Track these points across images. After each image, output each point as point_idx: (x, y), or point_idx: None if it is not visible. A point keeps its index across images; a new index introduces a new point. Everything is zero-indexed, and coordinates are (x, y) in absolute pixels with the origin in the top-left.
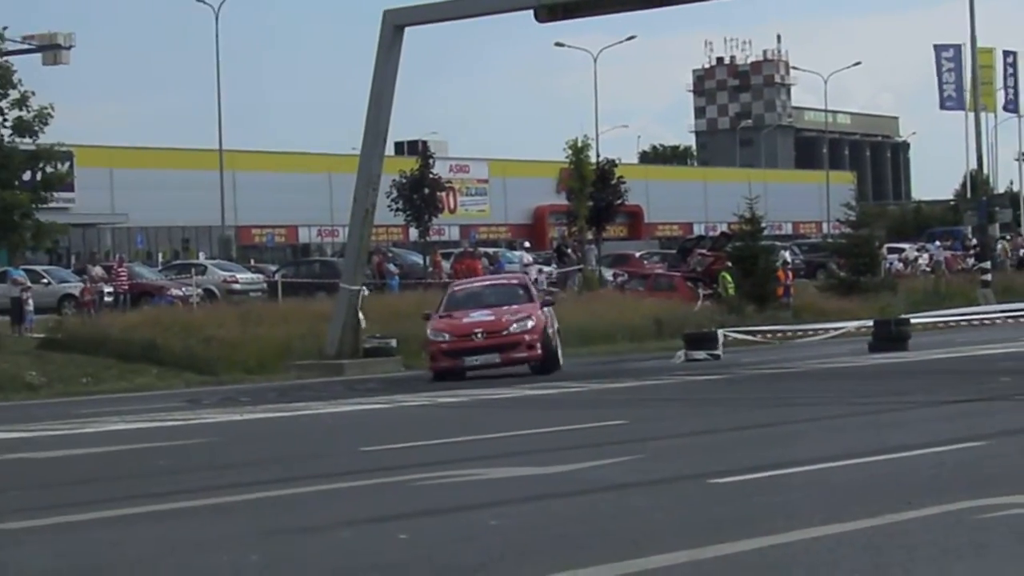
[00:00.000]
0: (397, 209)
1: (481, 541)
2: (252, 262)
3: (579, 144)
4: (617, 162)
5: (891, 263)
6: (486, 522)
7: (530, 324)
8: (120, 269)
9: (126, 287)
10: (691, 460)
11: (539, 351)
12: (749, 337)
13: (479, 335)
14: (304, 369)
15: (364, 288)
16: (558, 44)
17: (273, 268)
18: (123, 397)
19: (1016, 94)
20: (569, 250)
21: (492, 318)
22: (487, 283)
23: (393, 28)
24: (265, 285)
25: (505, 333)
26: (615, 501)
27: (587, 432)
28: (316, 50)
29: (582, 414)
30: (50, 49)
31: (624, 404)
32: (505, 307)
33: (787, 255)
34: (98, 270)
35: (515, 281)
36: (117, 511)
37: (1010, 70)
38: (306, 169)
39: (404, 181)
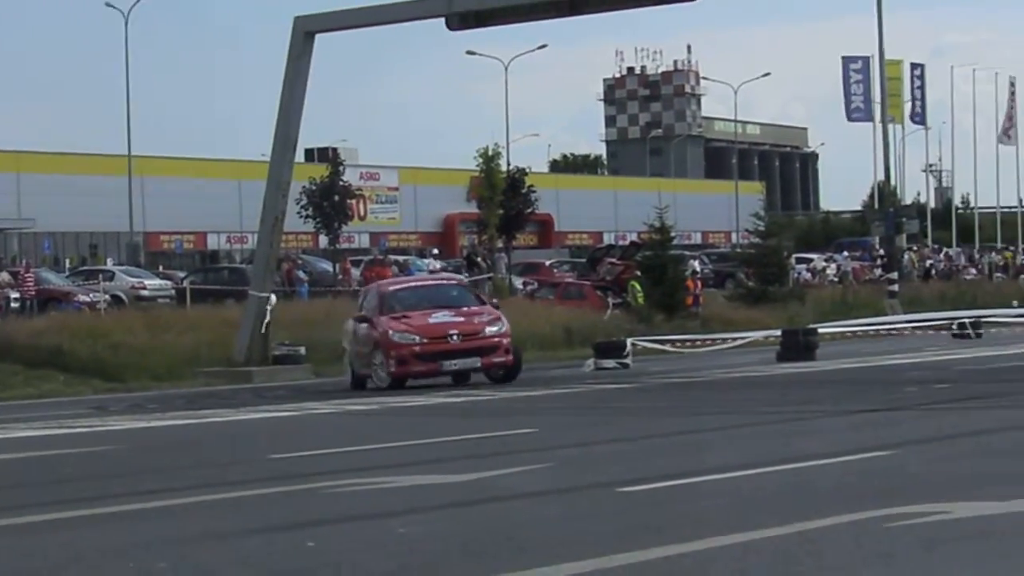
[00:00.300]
0: (307, 216)
1: (389, 549)
2: (161, 268)
3: (490, 152)
4: (527, 170)
5: (799, 273)
6: (395, 530)
7: (503, 327)
8: (27, 275)
9: (33, 293)
10: (601, 468)
11: (512, 356)
12: (658, 346)
13: (455, 337)
14: (212, 376)
15: (272, 295)
16: (469, 52)
17: (182, 275)
18: (29, 404)
19: (923, 106)
20: (479, 258)
21: (462, 319)
22: (429, 283)
23: (303, 35)
24: (174, 292)
25: (481, 336)
26: (524, 509)
27: (497, 440)
28: (227, 56)
29: (492, 422)
30: None
31: (534, 412)
32: (465, 308)
33: (696, 264)
34: (4, 275)
35: (454, 281)
36: (23, 519)
37: (917, 82)
38: (215, 175)
39: (314, 188)
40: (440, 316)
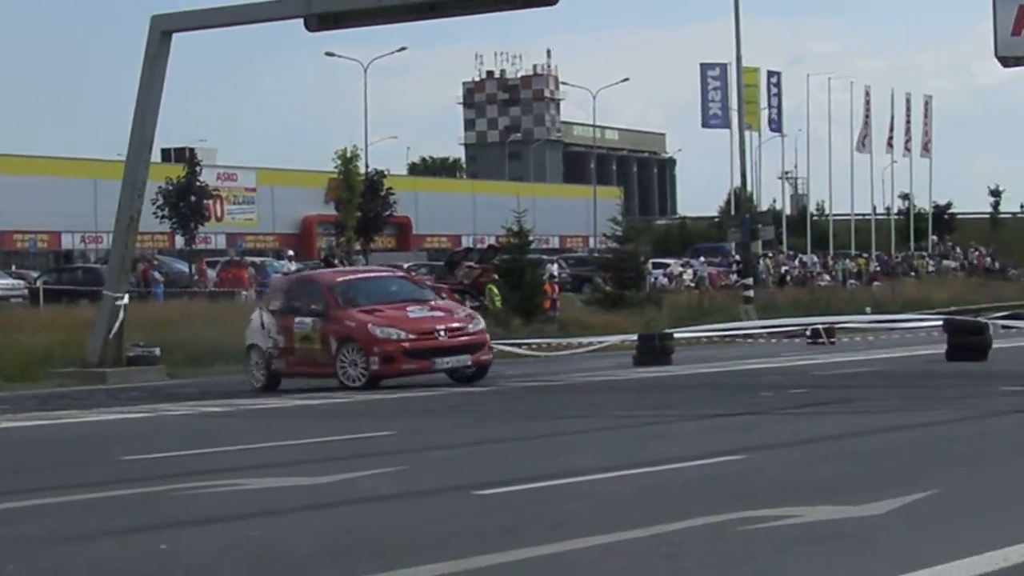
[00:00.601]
0: (163, 216)
1: (242, 552)
2: (13, 268)
3: (348, 154)
4: (386, 173)
5: (656, 278)
6: (248, 532)
7: (482, 324)
8: None
9: None
10: (458, 471)
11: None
12: (516, 349)
13: (443, 334)
14: (66, 377)
15: (126, 296)
16: (328, 54)
17: (35, 274)
18: None
19: (780, 114)
20: (337, 260)
21: (443, 315)
22: (382, 275)
23: (161, 34)
24: (27, 291)
25: (468, 332)
26: (381, 512)
27: (354, 443)
28: (82, 54)
29: (349, 425)
30: None
31: (391, 415)
32: (433, 303)
33: (554, 268)
34: None
35: (401, 274)
36: None
37: (774, 90)
38: (70, 174)
39: (170, 188)
40: (419, 311)
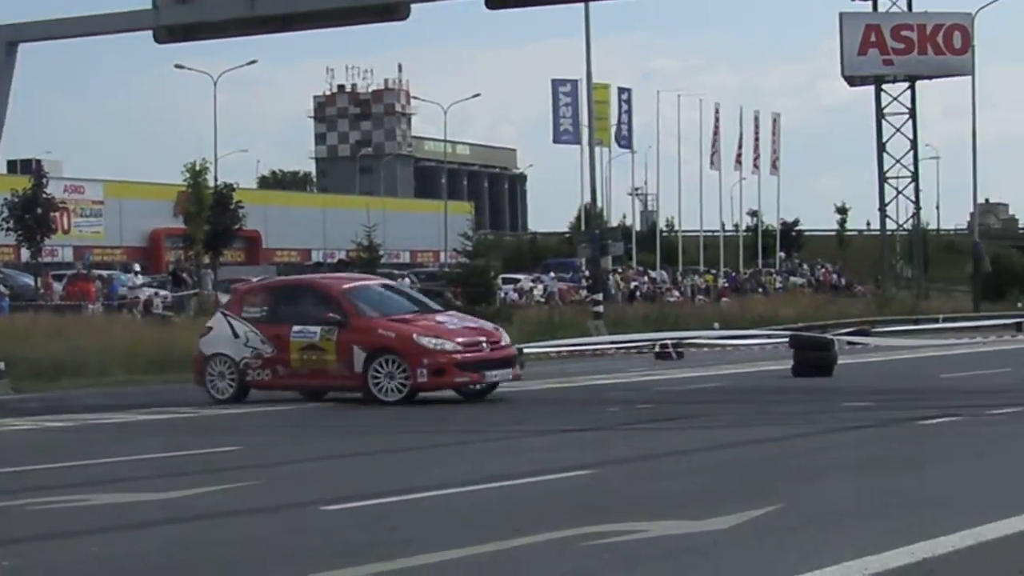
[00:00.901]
0: (8, 229)
1: (84, 569)
2: None
3: (197, 167)
4: (235, 186)
5: (506, 293)
6: (88, 549)
7: (508, 337)
8: None
9: None
10: (306, 487)
11: None
12: None
13: (486, 345)
14: None
15: None
16: (178, 66)
17: None
18: None
19: (630, 130)
20: (185, 274)
21: (476, 326)
22: (377, 282)
23: (7, 45)
24: None
25: (503, 345)
26: (228, 528)
27: (200, 458)
28: None
29: (196, 440)
30: None
31: (238, 431)
32: (452, 313)
33: (405, 283)
34: None
35: (389, 282)
36: None
37: (624, 106)
38: None
39: (16, 200)
40: (452, 322)
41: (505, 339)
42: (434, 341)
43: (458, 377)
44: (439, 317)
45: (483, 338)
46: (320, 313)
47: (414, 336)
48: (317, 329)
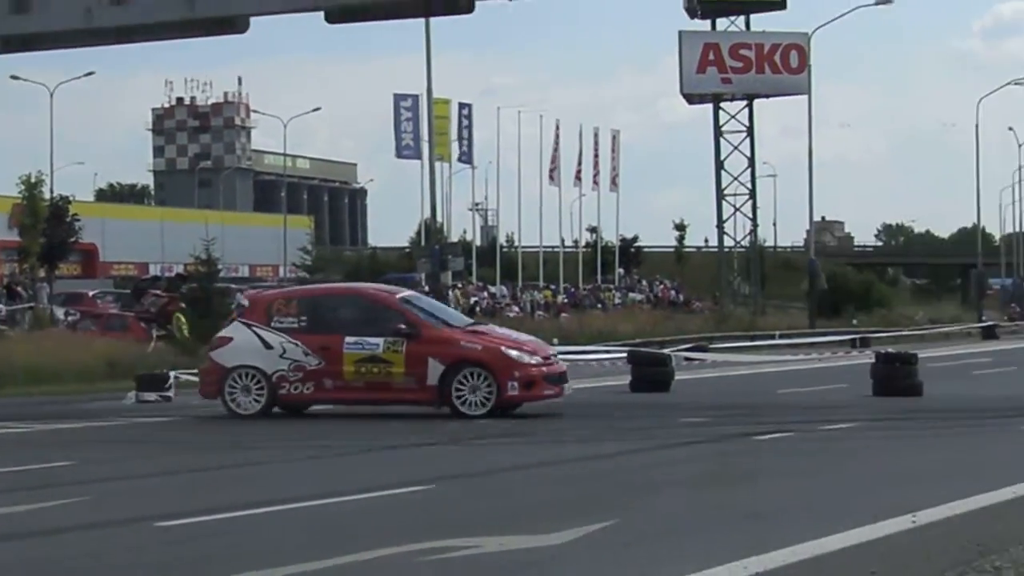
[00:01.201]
0: None
1: None
2: None
3: (32, 180)
4: (71, 199)
5: None
6: None
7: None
8: None
9: None
10: (140, 503)
11: None
12: None
13: (555, 358)
14: None
15: None
16: (14, 77)
17: None
18: None
19: (470, 145)
20: (19, 288)
21: (531, 340)
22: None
23: None
24: None
25: (553, 358)
26: (59, 544)
27: (32, 474)
28: None
29: (27, 455)
30: None
31: (72, 446)
32: (499, 327)
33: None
34: None
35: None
36: None
37: (465, 122)
38: None
39: None
40: (512, 335)
41: (552, 354)
42: (523, 355)
43: (546, 390)
44: (497, 329)
45: (550, 352)
46: (384, 324)
47: (503, 349)
48: (379, 340)
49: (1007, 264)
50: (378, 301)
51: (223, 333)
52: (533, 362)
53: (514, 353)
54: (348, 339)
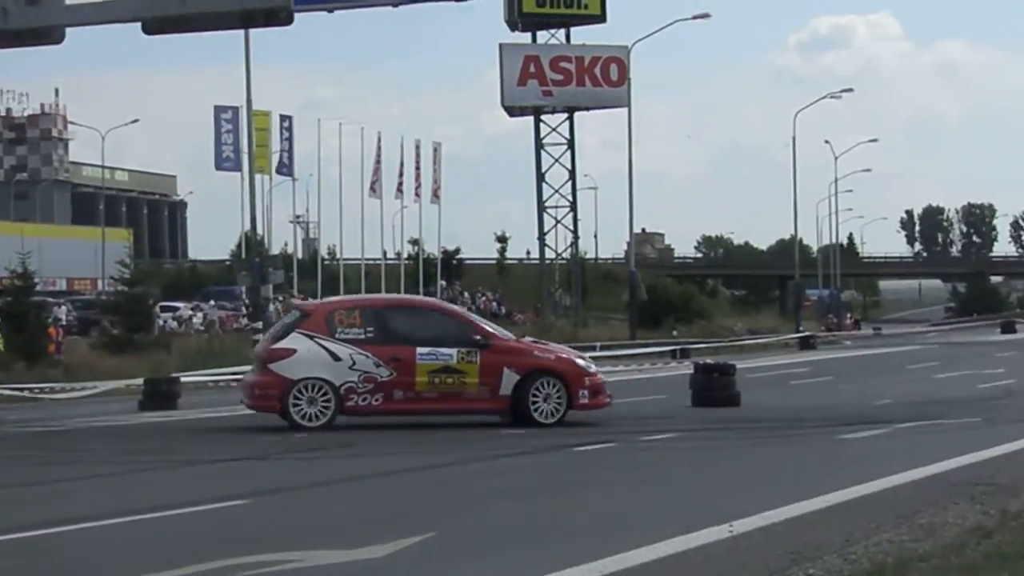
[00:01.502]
0: None
1: None
2: None
3: None
4: None
5: (165, 321)
6: None
7: None
8: None
9: None
10: None
11: None
12: (17, 393)
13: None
14: None
15: None
16: None
17: None
18: None
19: (291, 157)
20: None
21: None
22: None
23: None
24: None
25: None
26: None
27: None
28: None
29: None
30: None
31: None
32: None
33: (60, 311)
34: None
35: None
36: None
37: (285, 134)
38: None
39: None
40: (552, 344)
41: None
42: (589, 364)
43: (605, 399)
44: (534, 340)
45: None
46: (455, 335)
47: (575, 359)
48: (452, 351)
49: (824, 276)
50: (447, 312)
51: (283, 345)
52: (596, 371)
53: (582, 362)
54: (420, 350)
